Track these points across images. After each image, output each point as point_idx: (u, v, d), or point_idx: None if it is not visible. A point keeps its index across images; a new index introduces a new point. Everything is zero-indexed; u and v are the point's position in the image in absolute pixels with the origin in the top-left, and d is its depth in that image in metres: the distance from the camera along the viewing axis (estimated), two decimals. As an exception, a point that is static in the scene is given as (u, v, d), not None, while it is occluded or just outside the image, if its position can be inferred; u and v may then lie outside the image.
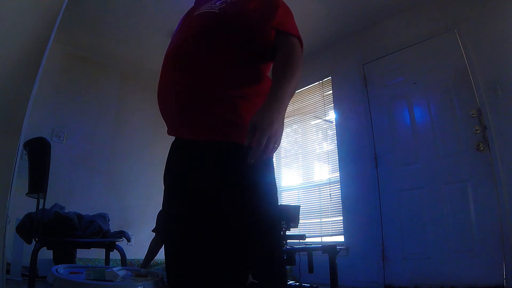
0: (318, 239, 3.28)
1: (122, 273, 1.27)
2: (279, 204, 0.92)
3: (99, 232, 2.03)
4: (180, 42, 1.00)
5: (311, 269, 2.34)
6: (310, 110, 3.70)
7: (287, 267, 2.71)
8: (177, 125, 0.97)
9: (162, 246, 2.75)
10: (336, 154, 3.28)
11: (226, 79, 0.91)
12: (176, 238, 0.91)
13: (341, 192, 3.15)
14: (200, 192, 0.87)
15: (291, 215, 2.41)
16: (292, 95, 0.88)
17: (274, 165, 0.97)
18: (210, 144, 0.88)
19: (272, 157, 0.94)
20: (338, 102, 3.36)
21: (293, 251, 2.29)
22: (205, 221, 0.85)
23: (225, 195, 0.84)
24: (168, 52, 1.02)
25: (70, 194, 3.21)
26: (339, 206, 3.15)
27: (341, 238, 3.08)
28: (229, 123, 0.87)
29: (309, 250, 2.39)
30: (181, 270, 0.89)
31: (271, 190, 0.90)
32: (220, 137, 0.87)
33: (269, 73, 1.01)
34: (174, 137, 1.03)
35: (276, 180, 0.94)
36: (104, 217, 2.15)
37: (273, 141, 0.77)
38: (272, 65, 0.97)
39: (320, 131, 3.63)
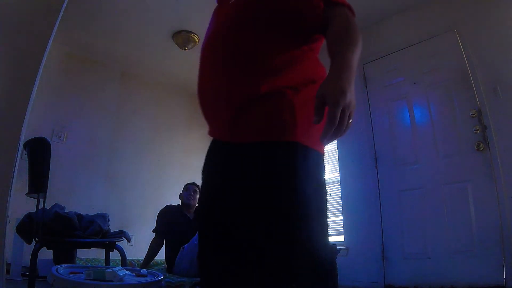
0: (318, 239, 3.27)
1: (122, 273, 1.27)
2: (327, 211, 0.82)
3: (99, 232, 2.03)
4: (219, 30, 0.91)
5: (311, 269, 2.34)
6: (310, 110, 3.70)
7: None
8: (217, 125, 0.88)
9: (162, 246, 2.75)
10: (336, 154, 3.28)
11: (273, 67, 0.81)
12: (207, 243, 0.84)
13: (341, 192, 3.15)
14: (238, 199, 0.77)
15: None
16: (356, 66, 0.75)
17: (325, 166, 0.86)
18: (254, 145, 0.77)
19: (323, 155, 0.84)
20: (338, 102, 3.36)
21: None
22: (242, 228, 0.76)
23: (271, 203, 0.74)
24: (204, 45, 0.93)
25: (70, 194, 3.21)
26: (339, 206, 3.15)
27: (341, 238, 3.07)
28: (277, 120, 0.76)
29: (309, 250, 2.39)
30: (208, 278, 0.82)
31: (320, 196, 0.79)
32: (267, 137, 0.76)
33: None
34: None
35: (325, 184, 0.83)
36: (104, 217, 2.15)
37: (348, 115, 0.66)
38: (324, 42, 0.86)
39: (320, 131, 3.63)
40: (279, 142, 0.76)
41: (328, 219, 0.81)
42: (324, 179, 0.83)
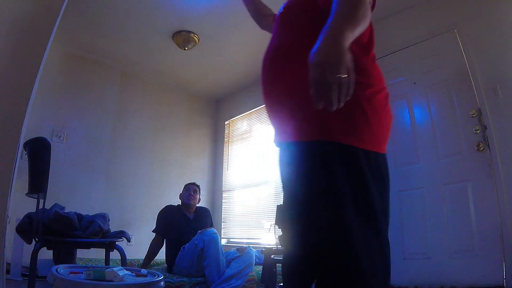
0: (318, 239, 3.27)
1: (122, 273, 1.27)
2: (386, 224, 0.79)
3: (99, 232, 2.03)
4: (272, 39, 1.00)
5: (311, 269, 2.34)
6: (310, 110, 3.69)
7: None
8: (278, 128, 0.95)
9: (162, 246, 2.75)
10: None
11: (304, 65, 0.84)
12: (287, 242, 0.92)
13: (341, 192, 3.15)
14: (297, 198, 0.82)
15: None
16: (353, 28, 0.72)
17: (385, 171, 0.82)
18: (304, 144, 0.81)
19: (383, 157, 0.83)
20: (338, 102, 3.36)
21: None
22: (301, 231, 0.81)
23: (320, 204, 0.76)
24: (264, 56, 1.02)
25: (70, 194, 3.21)
26: (339, 206, 3.14)
27: (341, 238, 3.07)
28: (322, 118, 0.78)
29: (309, 250, 2.39)
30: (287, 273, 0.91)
31: (378, 203, 0.76)
32: (315, 135, 0.79)
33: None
34: None
35: (388, 194, 0.81)
36: (104, 217, 2.15)
37: (333, 73, 0.63)
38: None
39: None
40: (324, 141, 0.78)
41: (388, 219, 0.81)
42: (384, 188, 0.80)
